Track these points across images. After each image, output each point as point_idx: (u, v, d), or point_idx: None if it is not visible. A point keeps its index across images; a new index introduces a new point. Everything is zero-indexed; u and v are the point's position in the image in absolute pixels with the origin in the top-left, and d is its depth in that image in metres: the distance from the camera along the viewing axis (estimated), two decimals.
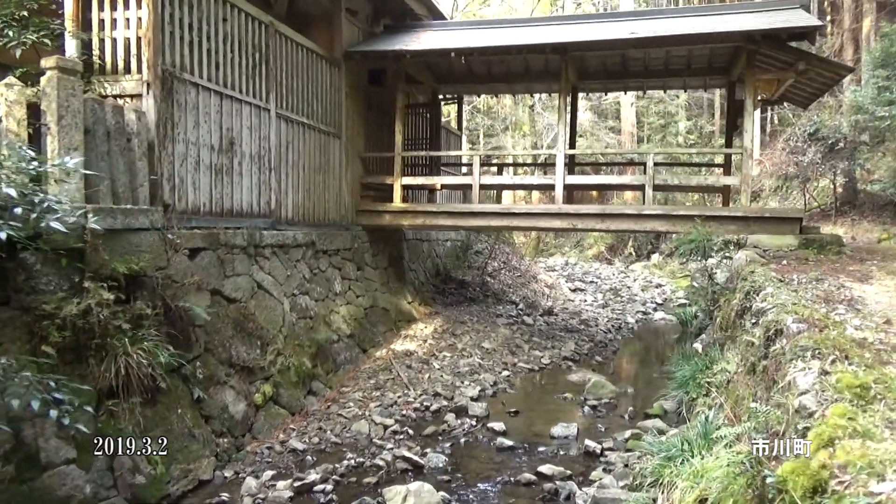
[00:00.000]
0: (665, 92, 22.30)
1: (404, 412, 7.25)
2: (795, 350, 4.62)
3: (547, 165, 22.26)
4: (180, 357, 5.69)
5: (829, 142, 19.85)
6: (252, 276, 7.38)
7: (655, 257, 24.03)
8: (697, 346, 8.47)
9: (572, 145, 11.70)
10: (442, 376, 8.59)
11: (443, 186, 11.35)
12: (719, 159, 17.68)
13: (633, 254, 26.00)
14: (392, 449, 6.12)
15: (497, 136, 28.48)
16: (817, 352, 4.58)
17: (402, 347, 9.73)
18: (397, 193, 10.39)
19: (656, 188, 9.86)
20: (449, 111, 20.76)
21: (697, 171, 17.65)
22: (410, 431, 6.67)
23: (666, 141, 26.22)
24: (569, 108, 10.05)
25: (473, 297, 13.36)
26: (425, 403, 7.51)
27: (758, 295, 6.37)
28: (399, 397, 7.67)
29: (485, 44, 9.21)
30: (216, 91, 6.99)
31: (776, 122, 28.85)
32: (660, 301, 17.49)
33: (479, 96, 14.95)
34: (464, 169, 16.45)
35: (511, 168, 14.88)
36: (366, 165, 10.83)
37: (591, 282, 20.76)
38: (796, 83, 9.72)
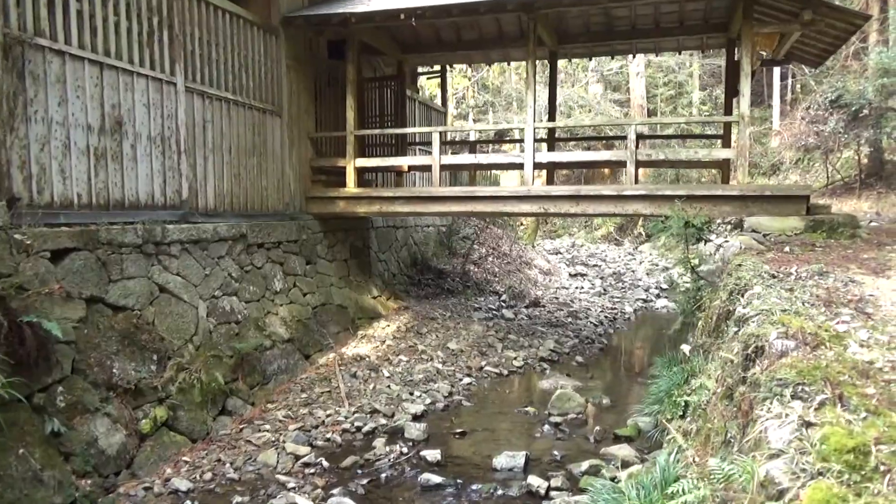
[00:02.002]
0: (656, 55, 20.80)
1: (329, 435, 6.17)
2: (771, 384, 3.42)
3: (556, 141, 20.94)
4: (27, 384, 4.67)
5: (853, 109, 18.23)
6: (151, 278, 6.31)
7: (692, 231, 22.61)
8: (685, 348, 7.26)
9: (553, 118, 10.42)
10: (389, 387, 7.49)
11: (410, 168, 10.15)
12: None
13: (644, 234, 24.58)
14: (292, 489, 5.05)
15: (497, 112, 27.10)
16: (801, 388, 3.36)
17: (355, 351, 8.65)
18: (351, 177, 9.24)
19: (642, 164, 8.59)
20: (445, 95, 19.48)
21: (703, 144, 16.21)
22: (325, 463, 5.59)
23: (677, 113, 24.64)
24: (540, 77, 8.71)
25: (452, 288, 12.22)
26: (357, 424, 6.42)
27: (742, 296, 5.14)
28: (329, 416, 6.59)
29: (437, 2, 7.96)
30: (94, 61, 5.88)
31: (798, 89, 27.06)
32: (665, 286, 16.17)
33: (451, 66, 13.63)
34: (450, 148, 15.23)
35: (489, 146, 13.57)
36: (317, 147, 9.69)
37: (595, 265, 19.49)
38: (804, 38, 8.32)
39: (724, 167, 9.27)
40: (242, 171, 8.05)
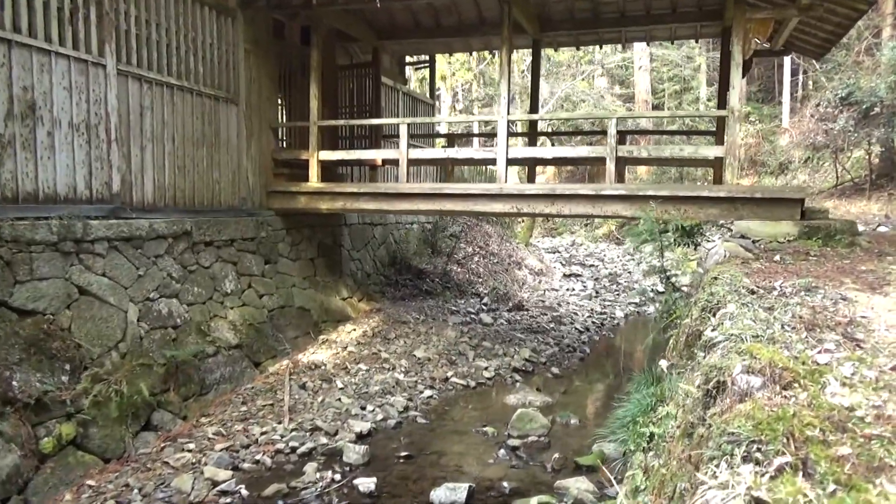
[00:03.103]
0: (647, 44, 20.08)
1: (259, 457, 5.57)
2: (721, 439, 2.77)
3: (552, 135, 20.20)
4: None
5: (864, 106, 17.41)
6: (69, 279, 5.73)
7: (667, 236, 21.89)
8: (664, 364, 6.60)
9: (535, 110, 9.75)
10: (340, 400, 6.89)
11: (384, 162, 9.51)
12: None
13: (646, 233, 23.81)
14: None
15: (491, 106, 26.37)
16: (757, 447, 2.70)
17: (312, 358, 8.05)
18: (314, 171, 8.63)
19: (623, 161, 7.91)
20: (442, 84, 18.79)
21: (708, 141, 15.48)
22: (245, 492, 5.00)
23: (683, 108, 23.82)
24: (512, 67, 8.04)
25: (431, 289, 11.60)
26: (293, 443, 5.82)
27: (714, 315, 4.50)
28: (264, 433, 6.00)
29: None
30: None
31: (810, 86, 26.18)
32: (662, 289, 15.45)
33: (430, 55, 12.97)
34: (442, 142, 14.61)
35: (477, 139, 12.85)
36: (292, 138, 9.09)
37: (591, 266, 18.80)
38: (803, 26, 7.62)
39: (715, 166, 8.58)
40: (189, 163, 7.45)
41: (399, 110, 12.66)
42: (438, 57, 26.50)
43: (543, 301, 12.73)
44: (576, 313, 12.02)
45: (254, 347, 7.63)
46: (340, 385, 7.27)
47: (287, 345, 8.20)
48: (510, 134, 17.65)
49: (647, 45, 17.06)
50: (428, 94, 14.65)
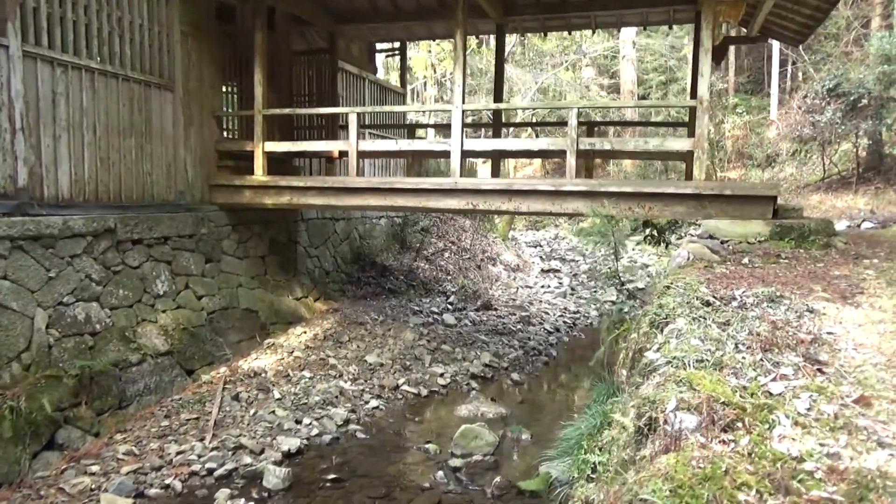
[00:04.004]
0: (617, 30, 19.51)
1: (169, 481, 5.04)
2: None
3: (545, 125, 19.57)
4: None
5: (851, 98, 16.93)
6: None
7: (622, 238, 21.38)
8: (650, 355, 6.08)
9: (499, 99, 9.19)
10: (274, 412, 6.36)
11: (341, 154, 8.92)
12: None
13: (629, 227, 23.34)
14: None
15: (482, 94, 25.82)
16: None
17: (253, 364, 7.51)
18: (259, 163, 8.05)
19: (584, 154, 7.38)
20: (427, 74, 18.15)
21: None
22: None
23: (667, 100, 23.26)
24: (461, 52, 7.45)
25: (395, 287, 11.06)
26: (211, 464, 5.29)
27: (662, 331, 3.98)
28: (181, 452, 5.46)
29: None
30: None
31: (799, 77, 25.70)
32: (641, 286, 14.99)
33: (401, 43, 12.37)
34: (423, 132, 14.02)
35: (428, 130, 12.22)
36: (244, 127, 8.50)
37: (572, 261, 18.30)
38: (779, 9, 7.08)
39: (687, 161, 8.05)
40: (114, 154, 6.86)
41: (365, 99, 12.08)
42: (423, 46, 25.97)
43: (515, 300, 12.21)
44: (547, 312, 11.52)
45: (187, 354, 7.08)
46: (278, 395, 6.73)
47: (227, 350, 7.66)
48: (482, 125, 17.06)
49: (618, 31, 16.48)
50: (399, 84, 14.06)
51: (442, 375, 7.87)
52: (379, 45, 13.93)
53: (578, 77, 26.73)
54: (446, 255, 13.23)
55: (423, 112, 23.89)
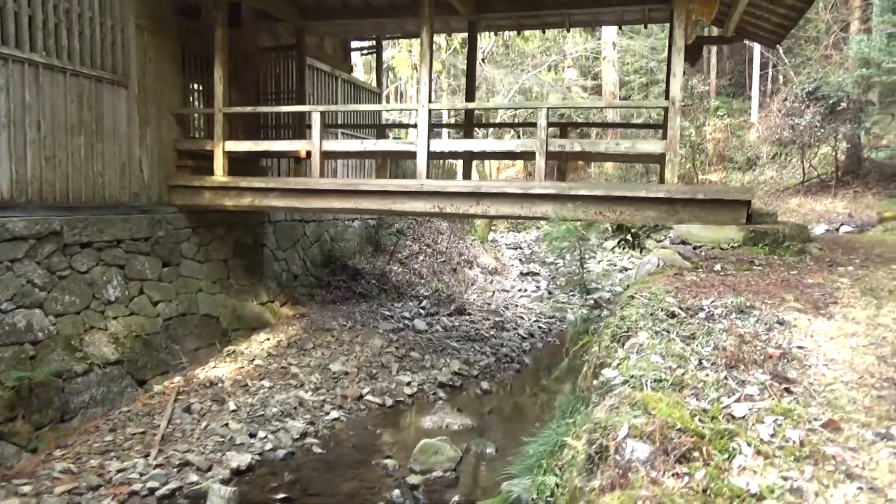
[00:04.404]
0: (593, 29, 19.39)
1: (106, 502, 4.72)
2: None
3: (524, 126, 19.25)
4: None
5: (831, 101, 16.90)
6: None
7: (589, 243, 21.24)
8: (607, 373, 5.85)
9: (471, 98, 8.94)
10: (228, 425, 6.05)
11: (308, 155, 8.61)
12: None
13: (609, 230, 23.20)
14: None
15: (457, 94, 25.51)
16: None
17: (210, 374, 7.20)
18: (219, 163, 7.74)
19: (556, 156, 7.16)
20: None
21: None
22: None
23: (643, 101, 23.11)
24: (428, 49, 7.19)
25: (366, 291, 10.77)
26: (153, 483, 4.97)
27: (622, 346, 3.74)
28: (122, 470, 5.14)
29: None
30: None
31: (780, 80, 25.72)
32: (620, 290, 14.81)
33: (377, 41, 12.09)
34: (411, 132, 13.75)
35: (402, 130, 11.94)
36: (185, 126, 8.17)
37: (552, 263, 18.08)
38: (754, 9, 6.90)
39: (662, 163, 7.84)
40: (61, 153, 6.51)
41: (338, 98, 11.78)
42: (405, 45, 25.67)
43: (490, 304, 11.97)
44: (522, 317, 11.29)
45: (139, 363, 6.75)
46: (233, 407, 6.42)
47: (184, 358, 7.34)
48: (459, 125, 16.83)
49: (593, 30, 16.28)
50: (375, 82, 13.78)
51: (409, 384, 7.60)
52: (356, 44, 13.67)
53: (561, 78, 26.59)
54: (421, 258, 12.96)
55: (402, 111, 23.63)
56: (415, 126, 16.92)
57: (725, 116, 24.42)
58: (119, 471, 5.12)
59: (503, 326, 10.41)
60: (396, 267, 12.08)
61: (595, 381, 3.58)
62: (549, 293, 13.88)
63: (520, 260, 18.28)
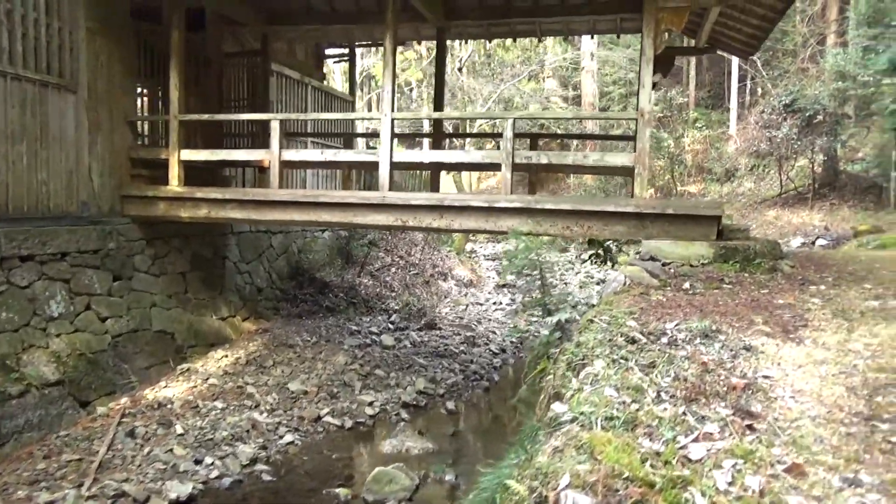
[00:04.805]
0: (564, 39, 19.33)
1: None
2: None
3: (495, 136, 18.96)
4: None
5: (807, 114, 16.91)
6: None
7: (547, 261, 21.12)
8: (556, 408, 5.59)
9: (440, 108, 8.70)
10: (173, 451, 5.71)
11: (285, 164, 8.28)
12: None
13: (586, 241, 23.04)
14: None
15: (450, 104, 25.31)
16: None
17: (160, 394, 6.85)
18: (174, 172, 7.42)
19: (526, 168, 6.93)
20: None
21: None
22: None
23: (613, 113, 23.04)
24: (391, 56, 6.93)
25: (333, 305, 10.45)
26: None
27: (577, 375, 3.49)
28: (50, 502, 4.78)
29: None
30: None
31: (759, 92, 25.85)
32: (595, 303, 14.60)
33: (350, 47, 11.85)
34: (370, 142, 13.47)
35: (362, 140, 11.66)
36: (155, 134, 7.84)
37: (528, 275, 17.81)
38: (726, 19, 6.74)
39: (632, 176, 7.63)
40: (0, 161, 6.16)
41: (308, 106, 11.49)
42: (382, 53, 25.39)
43: (462, 318, 11.70)
44: (494, 332, 11.02)
45: (82, 383, 6.38)
46: (180, 430, 6.08)
47: (133, 378, 6.98)
48: (450, 135, 16.59)
49: (567, 39, 16.14)
50: (348, 91, 13.51)
51: (371, 404, 7.29)
52: (332, 51, 13.39)
53: (541, 89, 26.50)
54: (393, 270, 12.67)
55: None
56: (427, 135, 16.56)
57: (704, 128, 24.47)
58: (48, 503, 4.76)
59: (474, 342, 10.14)
60: (367, 279, 11.78)
61: (547, 415, 3.31)
62: (524, 306, 13.63)
63: (497, 272, 18.03)
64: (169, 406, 6.56)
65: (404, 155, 7.18)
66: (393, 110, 6.71)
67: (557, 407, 3.11)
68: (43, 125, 6.58)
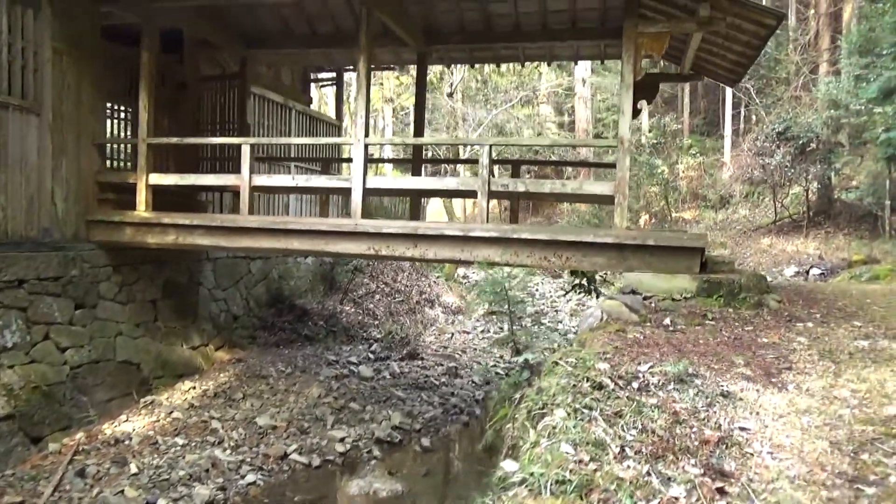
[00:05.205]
0: (548, 64, 19.27)
1: None
2: None
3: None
4: None
5: (801, 142, 16.78)
6: None
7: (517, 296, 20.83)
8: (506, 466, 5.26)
9: (420, 133, 8.51)
10: (123, 492, 5.38)
11: (255, 189, 8.03)
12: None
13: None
14: None
15: (437, 128, 25.25)
16: None
17: (119, 429, 6.53)
18: (142, 197, 7.17)
19: (500, 196, 6.70)
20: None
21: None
22: None
23: (590, 140, 22.87)
24: (365, 80, 6.73)
25: (312, 334, 10.15)
26: None
27: (535, 425, 3.20)
28: None
29: None
30: None
31: (753, 119, 25.82)
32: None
33: (337, 71, 11.70)
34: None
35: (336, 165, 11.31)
36: (119, 157, 7.61)
37: (520, 302, 17.53)
38: (710, 45, 6.56)
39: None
40: None
41: (292, 130, 11.30)
42: (384, 79, 25.37)
43: (447, 347, 11.39)
44: (479, 362, 10.70)
45: (35, 418, 6.07)
46: (135, 469, 5.75)
47: (92, 411, 6.66)
48: (430, 161, 16.36)
49: (550, 65, 16.10)
50: (335, 115, 13.36)
51: (342, 440, 6.96)
52: (324, 75, 13.25)
53: (536, 114, 26.45)
54: (377, 297, 12.38)
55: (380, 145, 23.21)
56: (389, 161, 16.43)
57: (698, 155, 24.37)
58: None
59: (457, 373, 9.81)
60: (349, 307, 11.48)
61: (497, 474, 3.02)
62: (514, 334, 13.31)
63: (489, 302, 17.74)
64: (126, 442, 6.23)
65: (378, 181, 6.94)
66: (367, 135, 6.49)
67: (508, 465, 2.82)
68: (2, 147, 6.35)
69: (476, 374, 9.91)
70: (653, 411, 3.22)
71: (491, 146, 6.08)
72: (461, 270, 20.18)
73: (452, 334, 12.48)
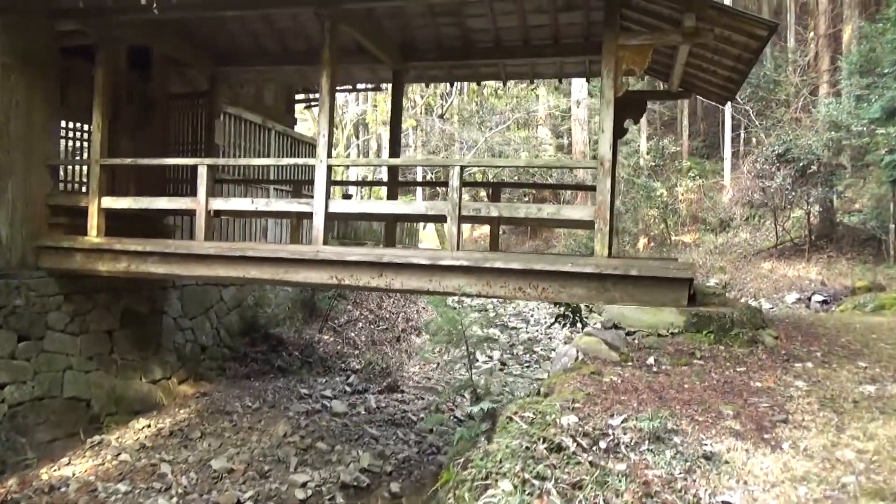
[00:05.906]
0: (531, 82, 18.79)
1: None
2: None
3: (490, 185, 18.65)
4: None
5: (801, 164, 16.32)
6: None
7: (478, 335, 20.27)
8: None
9: (396, 154, 8.07)
10: None
11: (217, 213, 7.58)
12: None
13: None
14: None
15: (431, 150, 24.91)
16: None
17: (57, 474, 5.99)
18: (93, 222, 6.71)
19: (469, 220, 6.20)
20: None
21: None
22: None
23: (567, 161, 22.44)
24: (328, 98, 6.30)
25: (286, 365, 9.61)
26: None
27: (476, 499, 2.67)
28: None
29: None
30: None
31: (753, 142, 25.44)
32: (583, 357, 13.70)
33: (299, 88, 11.31)
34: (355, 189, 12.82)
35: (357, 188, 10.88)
36: (68, 179, 7.17)
37: (513, 328, 16.98)
38: (699, 61, 6.11)
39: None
40: None
41: (271, 152, 10.89)
42: (380, 101, 25.12)
43: (430, 378, 10.83)
44: (463, 395, 10.12)
45: None
46: None
47: (31, 453, 6.13)
48: (408, 183, 15.92)
49: (532, 81, 15.74)
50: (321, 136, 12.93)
51: (304, 485, 6.40)
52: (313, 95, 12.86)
53: (534, 136, 26.11)
54: (360, 324, 11.85)
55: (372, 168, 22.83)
56: (384, 183, 16.07)
57: (698, 177, 23.96)
58: None
59: (438, 407, 9.25)
60: (328, 336, 10.95)
61: None
62: (503, 364, 12.75)
63: (481, 324, 17.16)
64: (62, 489, 5.70)
65: (342, 205, 6.47)
66: (330, 156, 6.03)
67: None
68: None
69: (459, 410, 9.35)
70: (620, 480, 2.70)
71: (462, 167, 5.62)
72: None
73: (438, 364, 11.91)
